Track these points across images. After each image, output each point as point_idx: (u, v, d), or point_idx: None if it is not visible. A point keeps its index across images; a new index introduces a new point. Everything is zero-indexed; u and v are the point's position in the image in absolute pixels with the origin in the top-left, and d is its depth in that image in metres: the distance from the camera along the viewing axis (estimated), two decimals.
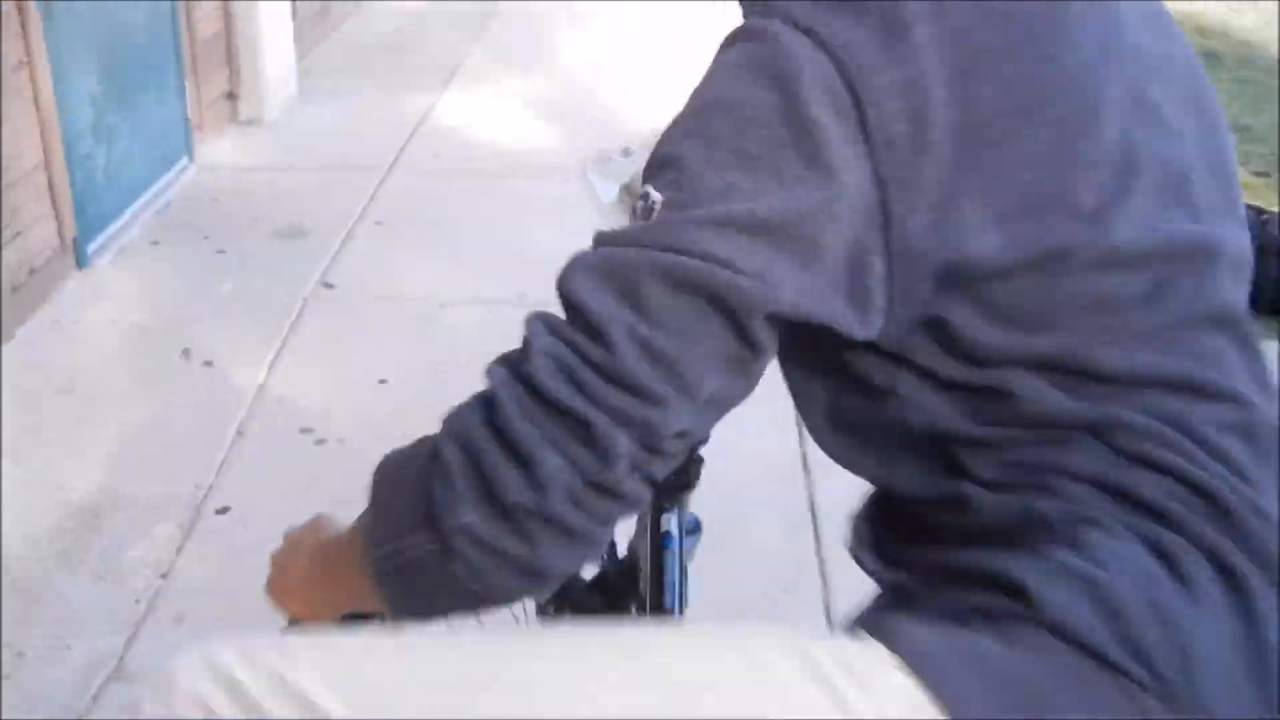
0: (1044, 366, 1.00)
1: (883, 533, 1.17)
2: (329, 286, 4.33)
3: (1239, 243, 1.11)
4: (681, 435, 0.98)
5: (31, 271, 4.06)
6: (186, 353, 3.87)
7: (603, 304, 0.95)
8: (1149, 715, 0.91)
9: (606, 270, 0.97)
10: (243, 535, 3.03)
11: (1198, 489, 0.98)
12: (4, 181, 3.85)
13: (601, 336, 0.95)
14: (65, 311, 4.10)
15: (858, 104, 0.95)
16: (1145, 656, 0.91)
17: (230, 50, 5.69)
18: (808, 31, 0.97)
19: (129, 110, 4.73)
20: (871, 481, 1.18)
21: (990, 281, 0.98)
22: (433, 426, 1.01)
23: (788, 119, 0.95)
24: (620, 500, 0.97)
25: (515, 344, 1.00)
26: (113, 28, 4.58)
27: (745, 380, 1.02)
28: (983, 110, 0.97)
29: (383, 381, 3.74)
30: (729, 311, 0.96)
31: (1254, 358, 1.09)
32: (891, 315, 1.00)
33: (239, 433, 3.47)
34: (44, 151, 4.12)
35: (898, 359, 1.04)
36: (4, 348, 3.80)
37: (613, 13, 7.62)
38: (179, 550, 2.99)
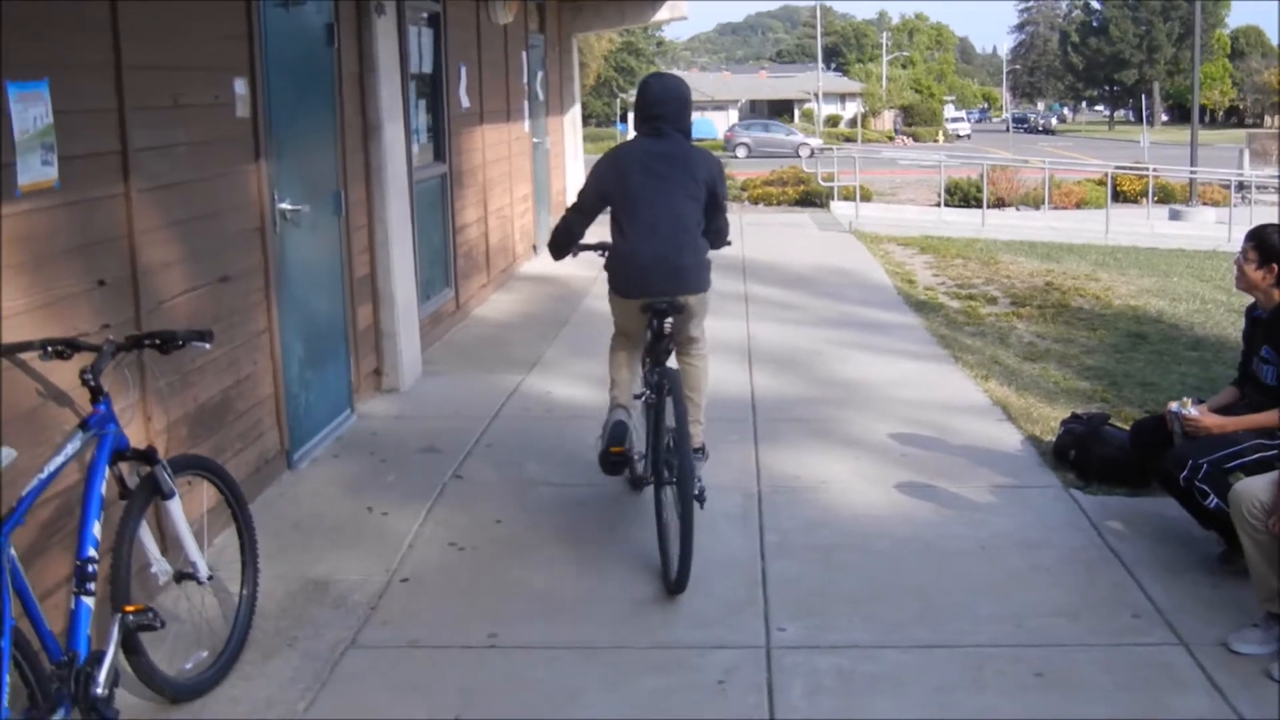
0: None
1: None
2: (459, 478, 6.38)
3: None
4: None
5: (266, 462, 6.14)
6: (370, 509, 5.90)
7: None
8: None
9: None
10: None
11: None
12: (253, 401, 5.99)
13: None
14: (285, 489, 6.17)
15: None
16: None
17: (377, 340, 7.95)
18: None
19: (318, 371, 6.91)
20: None
21: None
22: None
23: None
24: None
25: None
26: (312, 316, 6.82)
27: None
28: None
29: (498, 521, 5.75)
30: None
31: None
32: None
33: (410, 545, 5.46)
34: (274, 386, 6.26)
35: None
36: (251, 506, 5.83)
37: None
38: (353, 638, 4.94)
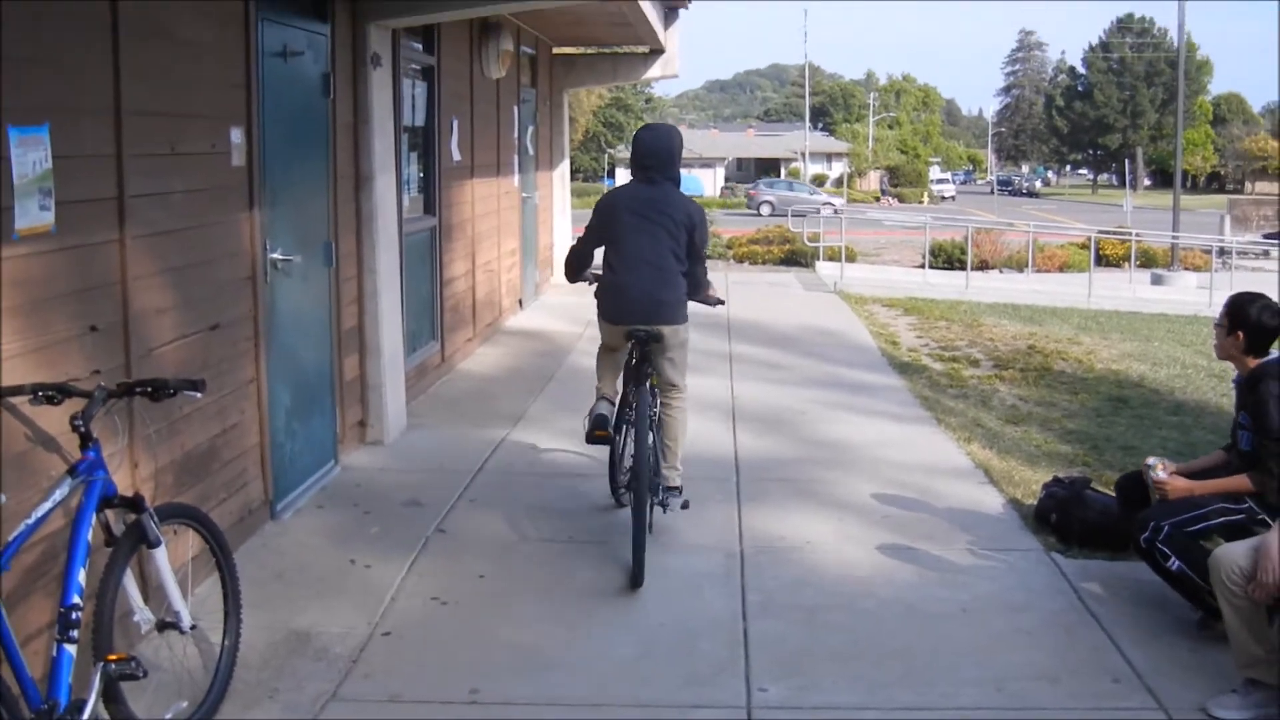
0: None
1: None
2: (443, 532, 6.38)
3: None
4: None
5: (249, 512, 6.13)
6: (353, 561, 5.90)
7: None
8: None
9: None
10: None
11: None
12: (239, 450, 5.99)
13: None
14: (268, 539, 6.16)
15: None
16: None
17: (363, 391, 7.96)
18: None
19: (304, 422, 6.91)
20: None
21: None
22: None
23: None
24: None
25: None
26: (300, 366, 6.83)
27: None
28: None
29: (481, 576, 5.75)
30: None
31: None
32: None
33: (392, 599, 5.45)
34: (260, 436, 6.27)
35: None
36: (234, 555, 5.82)
37: None
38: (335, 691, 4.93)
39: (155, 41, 5.05)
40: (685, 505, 6.20)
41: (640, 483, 5.74)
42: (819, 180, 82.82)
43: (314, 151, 7.05)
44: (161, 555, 4.11)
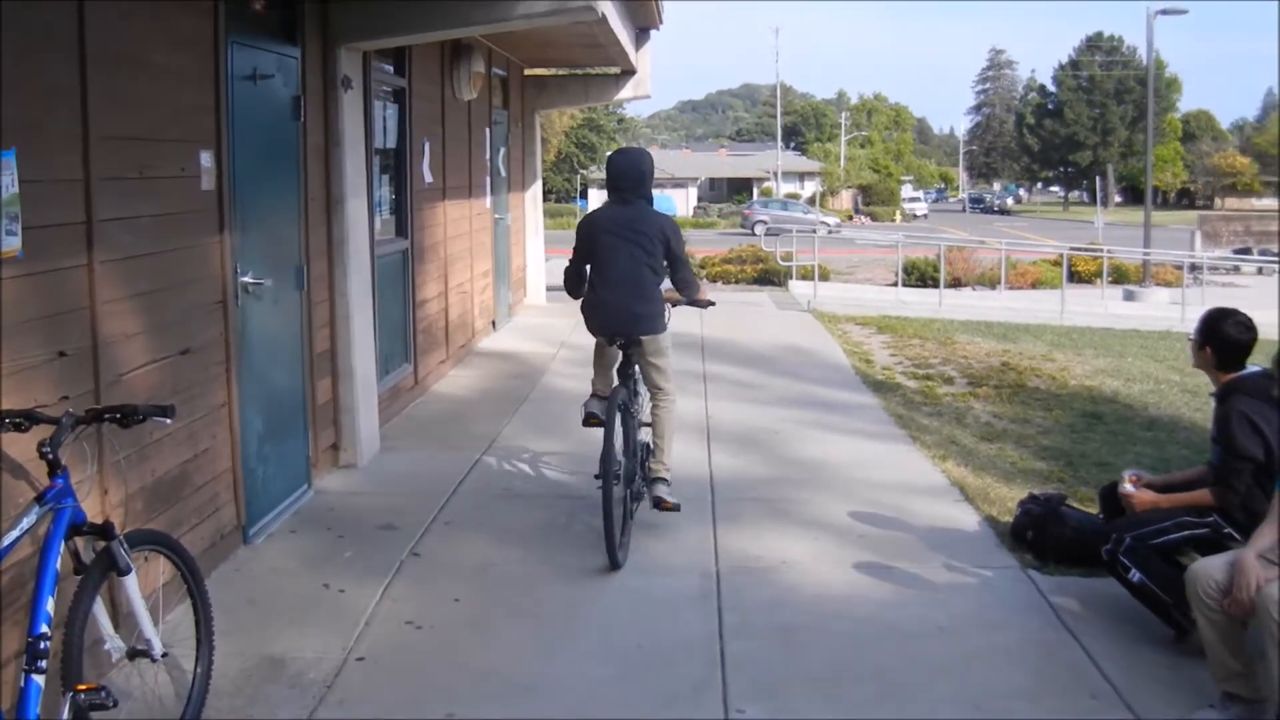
0: None
1: None
2: (417, 555, 6.34)
3: None
4: None
5: (221, 537, 6.08)
6: (327, 585, 5.85)
7: None
8: None
9: None
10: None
11: None
12: (211, 475, 5.94)
13: None
14: (241, 564, 6.10)
15: None
16: None
17: (336, 414, 7.92)
18: None
19: (276, 446, 6.86)
20: None
21: None
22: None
23: None
24: None
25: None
26: (272, 390, 6.79)
27: None
28: None
29: (456, 600, 5.71)
30: None
31: None
32: None
33: (366, 623, 5.41)
34: (232, 460, 6.22)
35: None
36: (207, 581, 5.76)
37: None
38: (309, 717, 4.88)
39: (123, 65, 5.01)
40: (677, 507, 6.60)
41: (627, 468, 6.44)
42: (791, 199, 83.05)
43: (285, 174, 7.02)
44: (132, 582, 4.06)
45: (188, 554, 4.50)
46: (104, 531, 3.97)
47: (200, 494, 5.82)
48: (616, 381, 6.74)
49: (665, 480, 6.65)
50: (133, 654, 4.18)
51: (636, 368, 6.78)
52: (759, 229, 56.83)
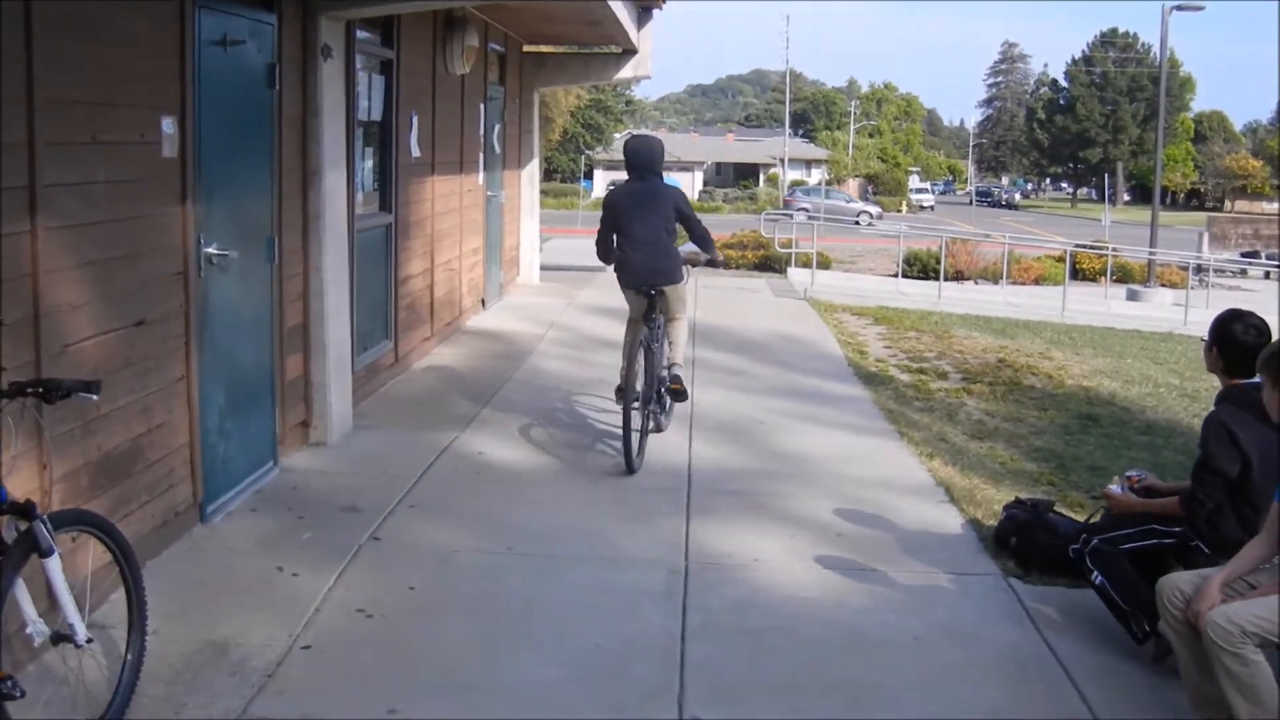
0: None
1: None
2: (377, 540, 6.14)
3: None
4: None
5: (175, 515, 5.88)
6: (280, 568, 5.64)
7: None
8: None
9: None
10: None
11: None
12: (166, 451, 5.74)
13: None
14: (195, 543, 5.91)
15: None
16: None
17: (307, 391, 7.70)
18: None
19: (240, 422, 6.66)
20: None
21: None
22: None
23: None
24: None
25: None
26: (237, 364, 6.58)
27: None
28: None
29: (412, 588, 5.51)
30: None
31: None
32: None
33: (316, 610, 5.21)
34: (189, 436, 6.01)
35: None
36: (157, 560, 5.57)
37: (606, 381, 9.75)
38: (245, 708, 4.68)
39: (74, 27, 4.79)
40: (685, 395, 8.19)
41: (645, 394, 7.79)
42: (797, 186, 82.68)
43: (257, 144, 6.80)
44: (54, 565, 3.86)
45: (120, 535, 4.29)
46: (25, 511, 3.78)
47: (153, 470, 5.62)
48: (640, 373, 7.75)
49: (679, 365, 8.11)
50: (56, 639, 3.98)
51: (659, 314, 8.09)
52: (799, 215, 56.56)
